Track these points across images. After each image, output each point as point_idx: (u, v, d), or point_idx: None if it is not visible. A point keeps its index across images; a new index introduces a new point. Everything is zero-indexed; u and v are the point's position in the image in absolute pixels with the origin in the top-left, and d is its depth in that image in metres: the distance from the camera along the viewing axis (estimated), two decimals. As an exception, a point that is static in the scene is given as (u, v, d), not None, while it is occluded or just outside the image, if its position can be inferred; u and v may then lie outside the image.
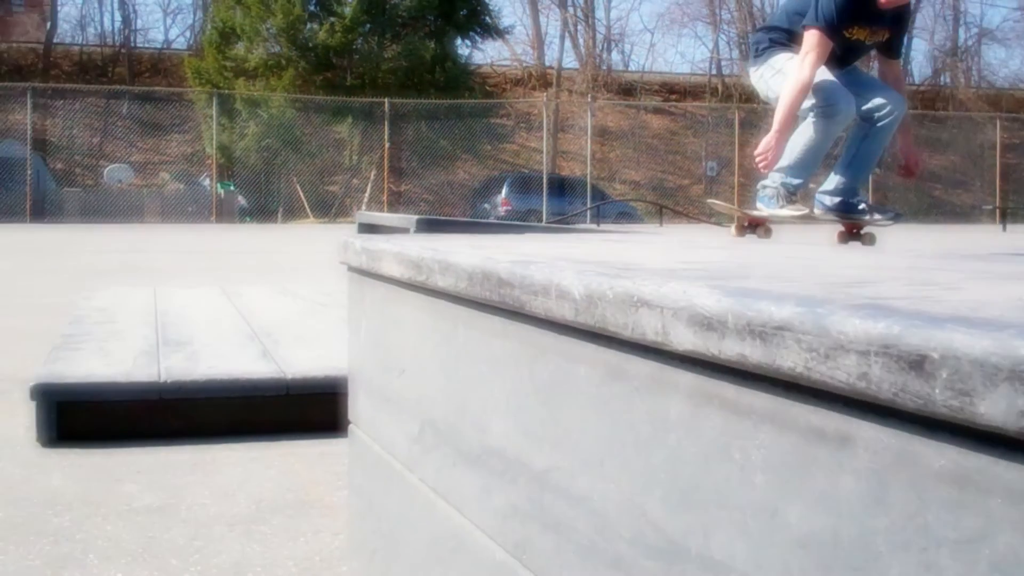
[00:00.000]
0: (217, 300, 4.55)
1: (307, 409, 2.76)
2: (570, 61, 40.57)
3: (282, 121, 25.94)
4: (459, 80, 27.22)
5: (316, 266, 9.26)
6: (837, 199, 4.54)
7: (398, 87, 25.86)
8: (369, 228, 4.73)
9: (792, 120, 4.66)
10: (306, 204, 26.07)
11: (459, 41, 29.10)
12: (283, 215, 26.03)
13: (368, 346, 1.68)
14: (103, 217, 23.72)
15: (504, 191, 24.54)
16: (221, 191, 24.91)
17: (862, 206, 4.55)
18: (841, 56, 4.38)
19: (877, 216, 4.55)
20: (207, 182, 26.20)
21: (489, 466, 1.13)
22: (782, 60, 4.44)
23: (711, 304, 0.72)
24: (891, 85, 4.59)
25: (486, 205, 24.77)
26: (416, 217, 3.92)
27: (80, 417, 2.64)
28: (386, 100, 24.75)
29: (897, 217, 4.67)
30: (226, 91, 25.84)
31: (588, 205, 23.01)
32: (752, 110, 25.90)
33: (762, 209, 4.55)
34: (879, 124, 4.46)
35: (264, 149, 26.00)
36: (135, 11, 47.67)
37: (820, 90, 4.41)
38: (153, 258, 10.68)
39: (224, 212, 24.46)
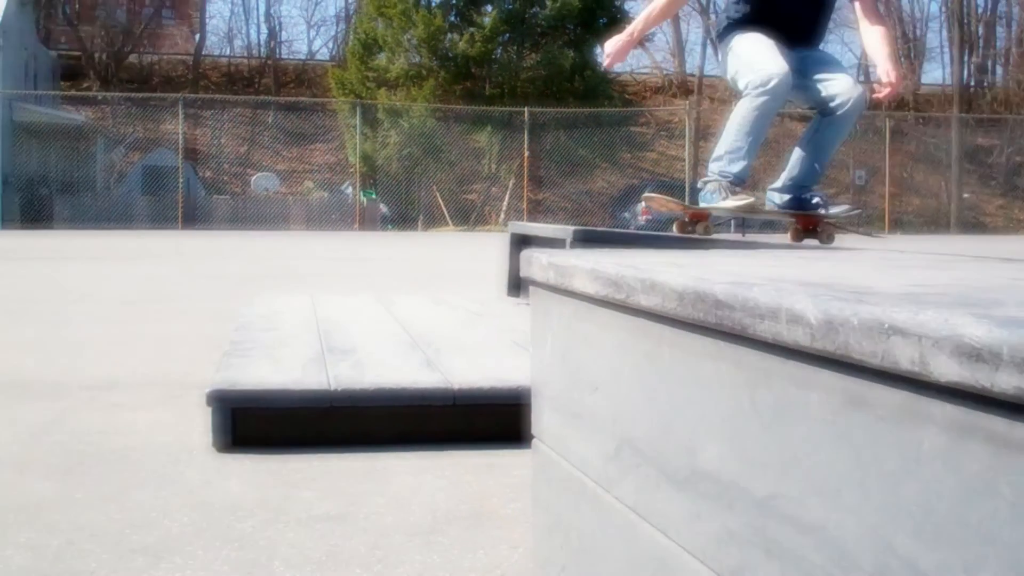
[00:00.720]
0: (373, 308, 4.63)
1: (474, 419, 2.78)
2: (712, 68, 40.19)
3: (423, 130, 26.35)
4: (598, 88, 27.23)
5: (463, 274, 9.38)
6: (788, 196, 4.25)
7: (537, 96, 26.00)
8: (522, 238, 4.77)
9: (647, 26, 4.52)
10: (446, 212, 26.42)
11: (598, 49, 29.09)
12: (423, 223, 26.42)
13: (555, 362, 1.67)
14: (250, 224, 24.44)
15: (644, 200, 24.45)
16: (364, 199, 25.40)
17: (816, 200, 4.24)
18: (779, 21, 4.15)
19: (834, 211, 4.25)
20: (350, 190, 26.78)
21: (700, 489, 1.11)
22: (734, 40, 4.22)
23: (981, 335, 0.69)
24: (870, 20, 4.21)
25: (626, 214, 24.70)
26: (573, 228, 3.93)
27: (253, 423, 2.71)
28: (525, 109, 24.91)
29: (855, 212, 4.39)
30: (368, 101, 26.35)
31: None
32: (903, 118, 25.25)
33: (705, 205, 4.23)
34: (837, 114, 4.11)
35: (405, 158, 26.45)
36: (280, 24, 49.03)
37: (748, 62, 4.14)
38: (302, 265, 10.94)
39: (367, 220, 24.94)
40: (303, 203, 27.42)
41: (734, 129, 4.11)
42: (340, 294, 5.85)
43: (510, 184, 26.93)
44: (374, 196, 26.32)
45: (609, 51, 4.36)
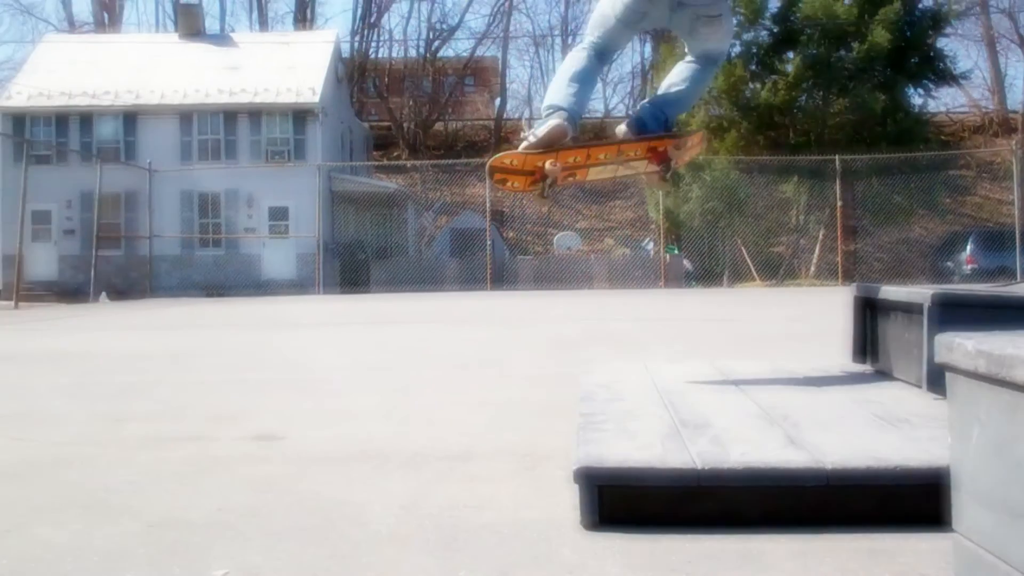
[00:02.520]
0: (711, 375, 4.54)
1: (848, 500, 2.63)
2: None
3: (725, 183, 26.09)
4: (912, 131, 26.07)
5: (787, 336, 9.11)
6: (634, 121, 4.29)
7: (846, 142, 25.19)
8: (866, 301, 4.54)
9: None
10: (752, 267, 25.96)
11: (910, 90, 27.92)
12: (729, 278, 26.07)
13: (985, 454, 1.55)
14: (553, 283, 24.91)
15: (968, 248, 23.12)
16: (667, 255, 25.38)
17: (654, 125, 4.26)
18: None
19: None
20: (651, 246, 26.85)
21: None
22: None
23: None
24: None
25: (948, 263, 23.43)
26: (932, 291, 3.69)
27: (620, 501, 2.68)
28: (836, 157, 24.14)
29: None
30: (670, 156, 26.36)
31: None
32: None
33: (528, 141, 4.10)
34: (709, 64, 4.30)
35: (708, 212, 26.25)
36: (578, 84, 50.01)
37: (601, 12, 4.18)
38: (616, 327, 10.98)
39: (671, 276, 24.88)
40: (605, 261, 27.70)
41: (562, 73, 4.21)
42: (668, 359, 5.80)
43: (820, 235, 26.15)
44: (676, 252, 26.25)
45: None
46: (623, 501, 2.70)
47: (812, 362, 4.85)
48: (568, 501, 2.80)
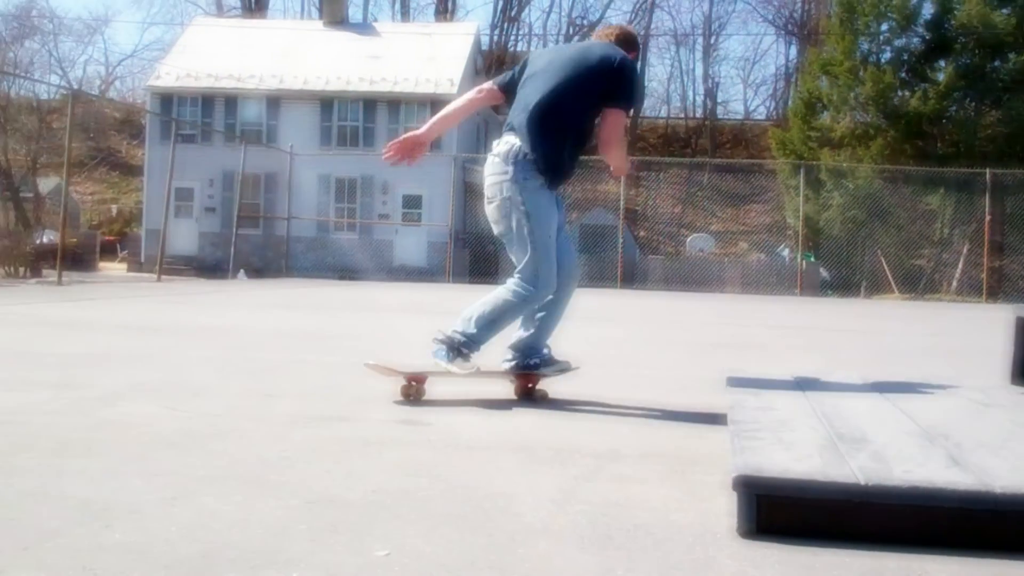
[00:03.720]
0: (859, 387, 4.43)
1: (1016, 527, 2.53)
2: None
3: (868, 192, 25.45)
4: (1070, 147, 25.07)
5: (934, 351, 8.86)
6: (514, 359, 4.49)
7: (997, 155, 24.32)
8: (1032, 321, 4.37)
9: (443, 127, 4.77)
10: (891, 279, 25.29)
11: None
12: (866, 289, 25.44)
13: None
14: (684, 285, 24.68)
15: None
16: (803, 262, 24.89)
17: (534, 361, 4.47)
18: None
19: (546, 371, 4.48)
20: (786, 252, 26.38)
21: None
22: (532, 194, 4.33)
23: None
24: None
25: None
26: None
27: (778, 511, 2.62)
28: (987, 170, 23.30)
29: (566, 369, 4.51)
30: (811, 162, 25.83)
31: None
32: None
33: (438, 364, 4.33)
34: (564, 291, 4.42)
35: (848, 221, 25.65)
36: (717, 84, 49.52)
37: (543, 246, 4.24)
38: (753, 332, 10.82)
39: (806, 284, 24.40)
40: (739, 265, 27.32)
41: (492, 305, 4.33)
42: (814, 370, 5.68)
43: (964, 250, 25.32)
44: (813, 259, 25.73)
45: (394, 146, 4.44)
46: (781, 511, 2.64)
47: (966, 381, 4.69)
48: (720, 507, 2.76)
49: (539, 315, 4.50)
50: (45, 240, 27.07)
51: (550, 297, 4.44)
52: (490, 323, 4.38)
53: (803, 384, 4.44)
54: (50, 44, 42.08)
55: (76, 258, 26.35)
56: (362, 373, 5.29)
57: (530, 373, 4.53)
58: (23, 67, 38.67)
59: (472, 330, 4.38)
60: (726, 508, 2.71)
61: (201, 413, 3.99)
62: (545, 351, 4.57)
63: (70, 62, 45.03)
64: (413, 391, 4.34)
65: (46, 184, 40.20)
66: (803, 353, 8.39)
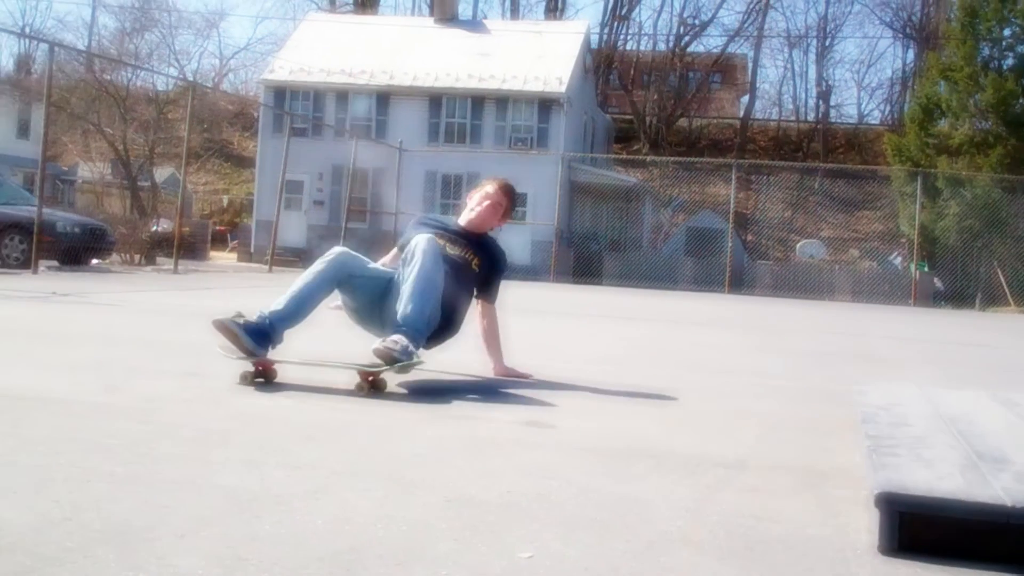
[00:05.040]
0: (991, 404, 4.32)
1: None
2: None
3: (987, 201, 24.75)
4: None
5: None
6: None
7: (1120, 165, 23.49)
8: None
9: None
10: (1008, 291, 24.56)
11: None
12: (981, 301, 24.75)
13: None
14: (793, 292, 24.29)
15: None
16: (917, 272, 24.31)
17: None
18: None
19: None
20: (898, 261, 25.81)
21: None
22: None
23: None
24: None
25: None
26: None
27: (920, 529, 2.58)
28: (1109, 182, 22.54)
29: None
30: (928, 169, 25.21)
31: None
32: None
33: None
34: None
35: (964, 230, 24.98)
36: (831, 87, 48.67)
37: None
38: (870, 343, 10.62)
39: (920, 294, 23.83)
40: (850, 272, 26.78)
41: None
42: (942, 384, 5.57)
43: (1085, 263, 24.55)
44: (926, 268, 25.12)
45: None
46: (924, 530, 2.59)
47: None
48: (857, 523, 2.72)
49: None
50: (159, 228, 27.78)
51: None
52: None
53: (933, 399, 4.35)
54: (169, 37, 43.18)
55: (188, 247, 26.97)
56: (484, 371, 5.33)
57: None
58: (143, 59, 39.74)
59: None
60: (863, 524, 2.68)
61: (329, 407, 4.06)
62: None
63: (186, 55, 46.13)
64: (250, 378, 4.38)
65: (160, 174, 41.30)
66: (924, 366, 8.21)
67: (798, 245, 29.29)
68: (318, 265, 4.66)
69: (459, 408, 4.23)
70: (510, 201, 5.21)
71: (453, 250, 5.02)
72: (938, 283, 25.09)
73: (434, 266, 4.60)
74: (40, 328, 5.75)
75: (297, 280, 4.62)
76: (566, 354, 7.27)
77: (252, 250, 31.77)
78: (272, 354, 4.45)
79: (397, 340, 4.29)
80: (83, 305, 9.11)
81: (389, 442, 3.38)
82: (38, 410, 3.59)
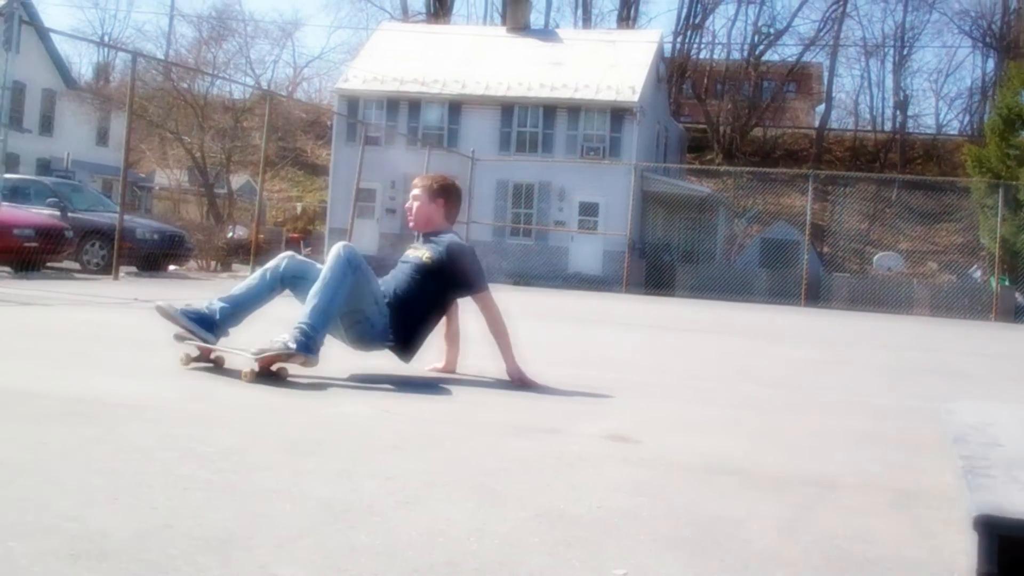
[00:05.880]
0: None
1: None
2: None
3: (1073, 214, 24.20)
4: None
5: None
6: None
7: None
8: None
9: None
10: (1093, 308, 24.00)
11: None
12: (1065, 318, 24.21)
13: None
14: (869, 305, 23.90)
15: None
16: (998, 286, 23.80)
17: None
18: None
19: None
20: (978, 275, 25.31)
21: None
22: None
23: None
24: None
25: None
26: None
27: (1019, 554, 2.53)
28: None
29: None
30: (1009, 181, 24.69)
31: None
32: None
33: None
34: None
35: (1048, 244, 24.44)
36: (908, 97, 47.91)
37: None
38: (952, 359, 10.43)
39: (1001, 309, 23.33)
40: (928, 286, 26.29)
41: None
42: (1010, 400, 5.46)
43: None
44: (1007, 283, 24.59)
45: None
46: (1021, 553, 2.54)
47: None
48: (952, 545, 2.68)
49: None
50: (235, 235, 28.18)
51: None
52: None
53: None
54: (245, 46, 43.82)
55: (262, 253, 27.33)
56: (563, 384, 5.33)
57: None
58: (220, 67, 40.35)
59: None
60: (959, 546, 2.63)
61: (412, 417, 4.08)
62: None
63: (261, 63, 46.75)
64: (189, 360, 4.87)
65: (235, 181, 41.89)
66: (1009, 383, 8.05)
67: (875, 257, 28.88)
68: (265, 268, 5.17)
69: (541, 421, 4.23)
70: (437, 186, 5.41)
71: (412, 252, 5.37)
72: (1020, 298, 24.53)
73: (335, 270, 4.91)
74: (124, 334, 5.86)
75: (244, 281, 5.18)
76: (645, 367, 7.24)
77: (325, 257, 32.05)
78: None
79: (282, 337, 4.67)
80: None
81: (474, 454, 3.39)
82: (130, 417, 3.65)
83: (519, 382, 5.13)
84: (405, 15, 51.97)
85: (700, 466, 3.46)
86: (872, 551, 2.59)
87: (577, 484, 3.01)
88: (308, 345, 4.65)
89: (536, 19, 46.21)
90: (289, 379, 4.67)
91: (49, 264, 15.70)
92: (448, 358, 5.50)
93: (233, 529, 2.26)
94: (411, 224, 5.47)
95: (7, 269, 13.79)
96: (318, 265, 5.09)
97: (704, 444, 3.94)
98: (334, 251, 4.95)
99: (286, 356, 4.60)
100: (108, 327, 7.51)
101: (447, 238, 5.36)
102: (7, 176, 14.20)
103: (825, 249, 31.68)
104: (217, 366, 4.92)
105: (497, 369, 5.34)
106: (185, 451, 3.07)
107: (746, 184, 35.31)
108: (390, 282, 5.24)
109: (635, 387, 5.73)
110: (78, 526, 2.21)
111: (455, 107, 33.44)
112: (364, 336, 5.08)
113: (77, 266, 17.58)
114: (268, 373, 4.60)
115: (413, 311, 5.14)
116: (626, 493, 2.94)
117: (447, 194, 5.41)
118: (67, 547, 2.05)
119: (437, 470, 3.07)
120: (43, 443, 3.08)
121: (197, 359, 4.87)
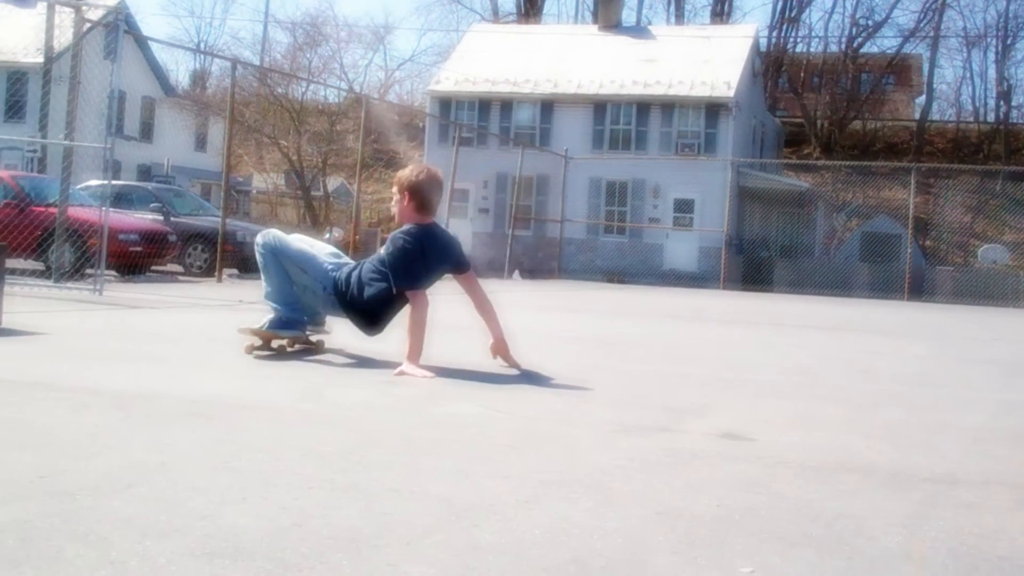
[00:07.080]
0: None
1: None
2: None
3: None
4: None
5: None
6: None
7: None
8: None
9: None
10: None
11: None
12: None
13: None
14: (975, 298, 23.28)
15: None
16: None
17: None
18: None
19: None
20: (1089, 265, 24.52)
21: None
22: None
23: None
24: None
25: None
26: None
27: None
28: None
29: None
30: None
31: None
32: None
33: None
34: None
35: None
36: (1011, 87, 46.58)
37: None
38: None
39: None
40: (1036, 279, 25.56)
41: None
42: None
43: None
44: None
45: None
46: None
47: None
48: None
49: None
50: (331, 236, 28.54)
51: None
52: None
53: None
54: (338, 52, 44.42)
55: (359, 254, 27.66)
56: (668, 382, 5.31)
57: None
58: (314, 72, 40.97)
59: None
60: (1093, 545, 2.55)
61: (521, 415, 4.10)
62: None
63: (354, 67, 47.37)
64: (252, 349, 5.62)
65: (330, 183, 42.47)
66: None
67: (980, 250, 28.17)
68: (259, 259, 5.78)
69: (649, 419, 4.22)
70: (405, 183, 5.59)
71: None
72: None
73: (260, 258, 5.76)
74: (233, 336, 5.97)
75: (264, 280, 5.82)
76: (748, 364, 7.16)
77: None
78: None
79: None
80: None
81: (589, 453, 3.39)
82: (247, 417, 3.73)
83: (501, 355, 5.65)
84: (496, 16, 52.07)
85: (817, 463, 3.42)
86: (1001, 548, 2.53)
87: (694, 482, 2.99)
88: (274, 322, 5.67)
89: (628, 16, 45.90)
90: (392, 381, 4.72)
91: (153, 268, 16.10)
92: (492, 332, 5.71)
93: (360, 528, 2.29)
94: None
95: (113, 273, 14.16)
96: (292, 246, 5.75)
97: (820, 441, 3.89)
98: (256, 242, 5.73)
99: (266, 334, 5.63)
100: (217, 328, 7.66)
101: (402, 229, 5.59)
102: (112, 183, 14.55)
103: (927, 242, 30.96)
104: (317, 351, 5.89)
105: (580, 366, 5.33)
106: (305, 451, 3.13)
107: (845, 178, 34.68)
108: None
109: (741, 384, 5.68)
110: (210, 525, 2.26)
111: (547, 106, 33.43)
112: (317, 303, 5.70)
113: (180, 269, 18.00)
114: (268, 348, 5.65)
115: (368, 295, 5.51)
116: (744, 491, 2.92)
117: (412, 189, 5.55)
118: (201, 546, 2.10)
119: (554, 469, 3.08)
120: (167, 444, 3.17)
121: (260, 348, 5.63)
